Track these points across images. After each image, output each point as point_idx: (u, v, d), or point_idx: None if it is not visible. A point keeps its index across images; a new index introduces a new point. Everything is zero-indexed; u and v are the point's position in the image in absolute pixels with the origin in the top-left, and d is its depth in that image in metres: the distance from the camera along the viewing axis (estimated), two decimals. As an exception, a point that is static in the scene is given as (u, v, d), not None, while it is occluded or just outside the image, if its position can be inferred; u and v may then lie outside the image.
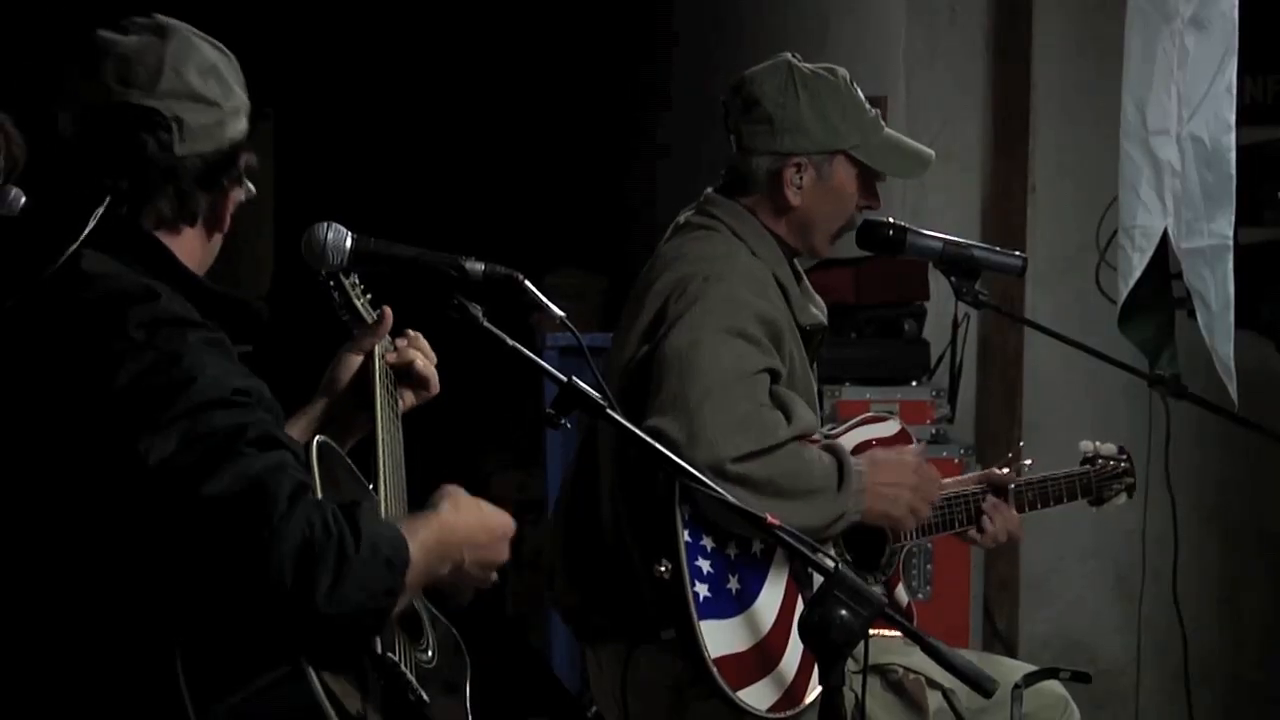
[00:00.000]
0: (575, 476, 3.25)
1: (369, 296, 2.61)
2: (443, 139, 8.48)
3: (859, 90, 3.25)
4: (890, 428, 3.32)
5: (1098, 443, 3.58)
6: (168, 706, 2.02)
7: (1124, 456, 3.57)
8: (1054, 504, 3.47)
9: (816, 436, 3.13)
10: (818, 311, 3.25)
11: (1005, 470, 3.41)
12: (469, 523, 2.28)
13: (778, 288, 3.16)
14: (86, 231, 2.15)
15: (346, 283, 2.57)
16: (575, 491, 3.22)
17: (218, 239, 2.31)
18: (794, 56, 3.23)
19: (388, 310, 2.60)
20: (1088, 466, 3.54)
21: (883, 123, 3.26)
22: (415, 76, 8.32)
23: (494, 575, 2.32)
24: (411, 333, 2.64)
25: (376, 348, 2.57)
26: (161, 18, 2.27)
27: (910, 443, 3.29)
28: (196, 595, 2.03)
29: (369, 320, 2.59)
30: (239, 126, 2.28)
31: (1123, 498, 3.57)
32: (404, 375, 2.61)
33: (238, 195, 2.31)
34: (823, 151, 3.19)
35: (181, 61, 2.22)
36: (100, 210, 2.17)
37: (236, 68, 2.31)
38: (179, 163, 2.21)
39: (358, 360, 2.59)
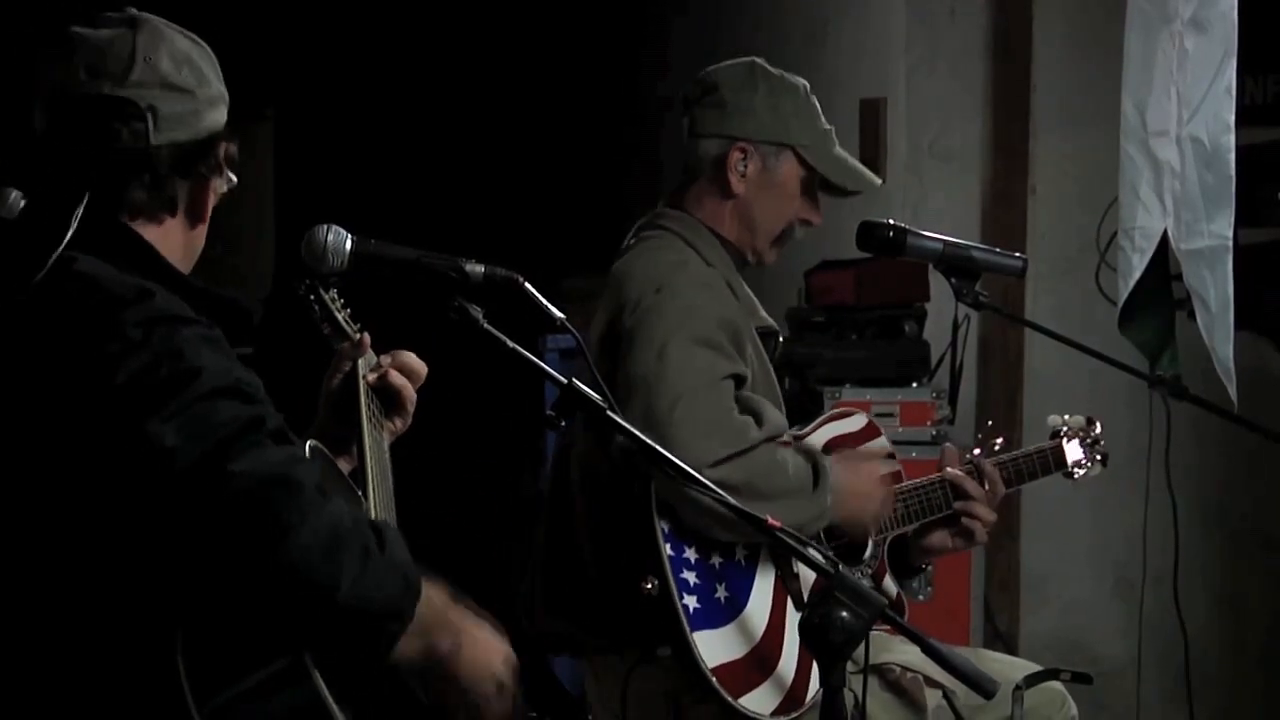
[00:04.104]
0: (552, 506, 3.24)
1: (349, 310, 2.60)
2: (444, 140, 8.48)
3: (817, 103, 3.28)
4: (857, 422, 3.33)
5: (1066, 415, 3.59)
6: (168, 699, 2.02)
7: (1093, 427, 3.58)
8: (1029, 480, 3.47)
9: (786, 437, 3.14)
10: (767, 317, 3.26)
11: (977, 451, 3.41)
12: (469, 617, 2.23)
13: (730, 291, 3.17)
14: (70, 233, 2.14)
15: (326, 296, 2.57)
16: (553, 520, 3.21)
17: (201, 230, 2.31)
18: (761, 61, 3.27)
19: (366, 335, 2.58)
20: (1058, 440, 3.55)
21: (835, 139, 3.28)
22: (417, 77, 8.31)
23: (493, 703, 2.23)
24: (394, 353, 2.60)
25: (360, 365, 2.56)
26: (133, 10, 2.27)
27: (879, 436, 3.31)
28: (211, 584, 2.02)
29: (350, 333, 2.58)
30: (216, 115, 2.27)
31: (1098, 468, 3.58)
32: (387, 398, 2.57)
33: (218, 185, 2.31)
34: (771, 142, 3.21)
35: (153, 51, 2.22)
36: (80, 209, 2.16)
37: (212, 58, 2.30)
38: (155, 151, 2.21)
39: (338, 379, 2.56)
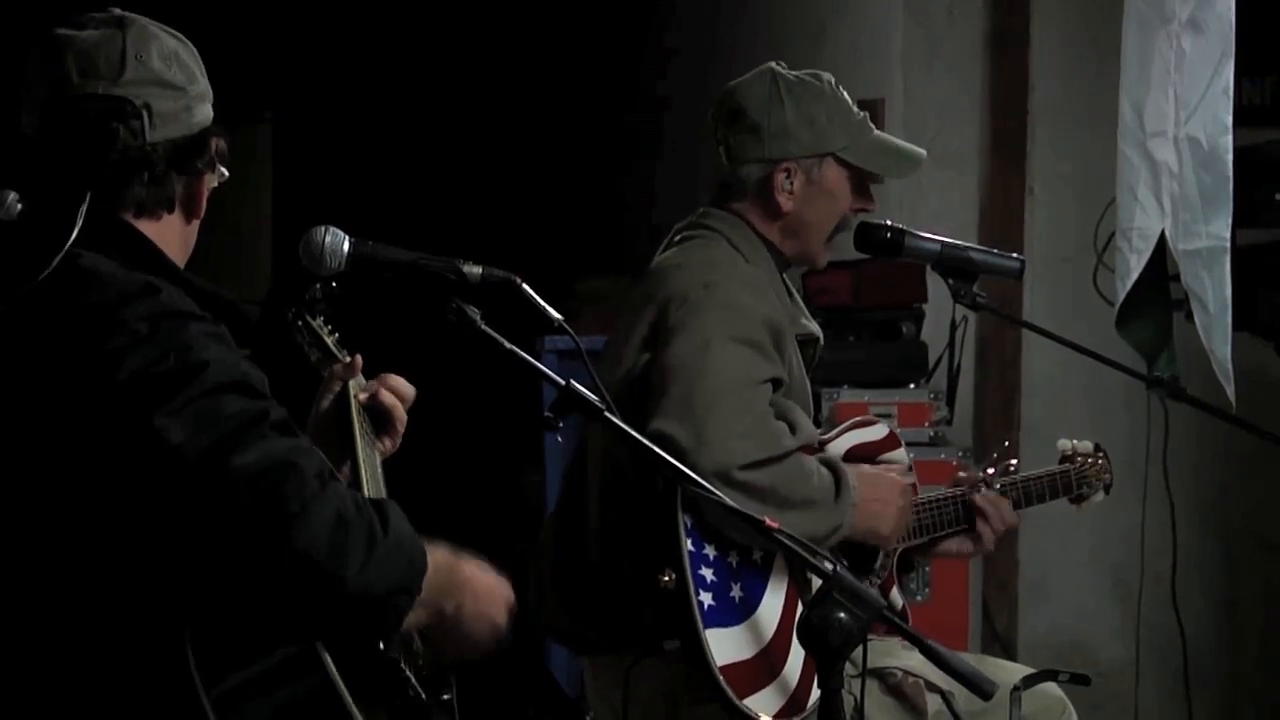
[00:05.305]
0: (565, 496, 3.25)
1: (336, 335, 2.60)
2: (442, 143, 8.48)
3: (845, 93, 3.26)
4: (879, 431, 3.33)
5: (1075, 441, 3.59)
6: (177, 687, 2.03)
7: (1101, 454, 3.58)
8: (1036, 502, 3.48)
9: (815, 445, 3.14)
10: (809, 323, 3.26)
11: (990, 470, 3.42)
12: (472, 568, 2.28)
13: (774, 295, 3.16)
14: (75, 232, 2.15)
15: (314, 323, 2.57)
16: (566, 511, 3.22)
17: (195, 224, 2.33)
18: (778, 65, 3.24)
19: (358, 357, 2.59)
20: (1067, 465, 3.55)
21: (871, 124, 3.26)
22: (416, 80, 8.31)
23: (491, 641, 2.29)
24: (383, 375, 2.61)
25: (351, 385, 2.56)
26: (117, 10, 2.29)
27: (899, 446, 3.31)
28: (219, 575, 2.03)
29: (340, 357, 2.59)
30: (205, 110, 2.30)
31: (1101, 495, 3.58)
32: (377, 418, 2.59)
33: (211, 180, 2.33)
34: (811, 155, 3.19)
35: (143, 49, 2.24)
36: (84, 208, 2.17)
37: (195, 54, 2.33)
38: (152, 149, 2.23)
39: (329, 399, 2.57)
